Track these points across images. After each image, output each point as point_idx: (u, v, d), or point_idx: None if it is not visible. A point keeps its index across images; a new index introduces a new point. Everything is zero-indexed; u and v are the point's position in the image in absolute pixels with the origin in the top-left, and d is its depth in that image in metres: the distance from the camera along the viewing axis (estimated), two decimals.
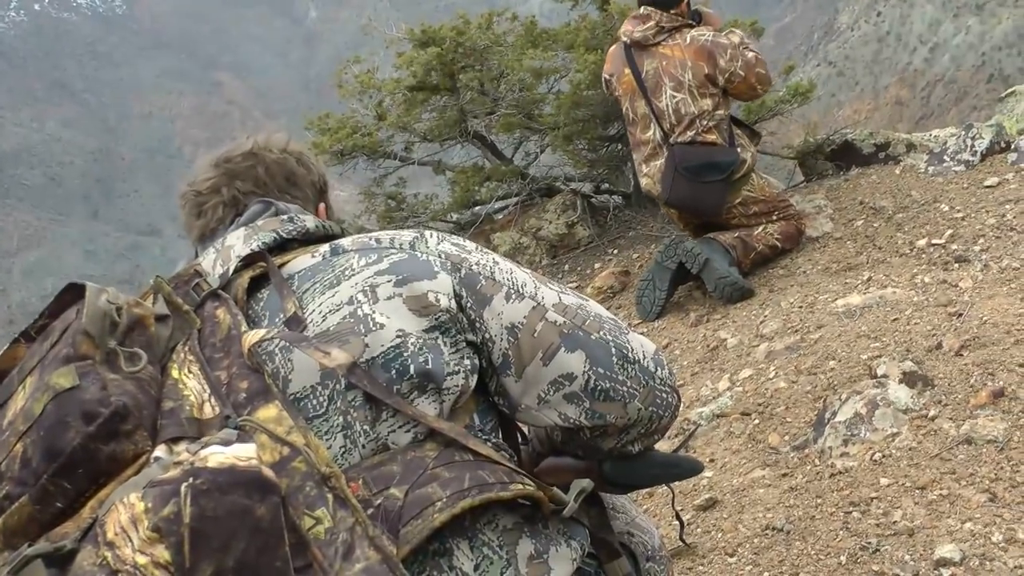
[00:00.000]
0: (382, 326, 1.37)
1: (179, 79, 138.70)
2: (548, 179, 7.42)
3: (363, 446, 1.34)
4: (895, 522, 2.86)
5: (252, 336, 1.32)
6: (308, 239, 1.57)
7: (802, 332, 4.41)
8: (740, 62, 5.08)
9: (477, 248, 1.56)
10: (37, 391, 1.22)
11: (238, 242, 1.52)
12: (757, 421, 3.82)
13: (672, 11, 5.18)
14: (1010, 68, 49.19)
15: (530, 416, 1.55)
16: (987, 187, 5.37)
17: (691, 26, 5.21)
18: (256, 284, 1.46)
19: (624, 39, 5.27)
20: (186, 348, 1.34)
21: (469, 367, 1.44)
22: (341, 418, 1.33)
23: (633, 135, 5.42)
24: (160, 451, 1.19)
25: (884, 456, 3.20)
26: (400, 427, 1.36)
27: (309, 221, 1.58)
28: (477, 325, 1.47)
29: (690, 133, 5.13)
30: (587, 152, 7.03)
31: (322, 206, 1.78)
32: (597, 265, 6.48)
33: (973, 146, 5.75)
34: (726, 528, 3.17)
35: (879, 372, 3.60)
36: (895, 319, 4.13)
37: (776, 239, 5.28)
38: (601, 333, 1.54)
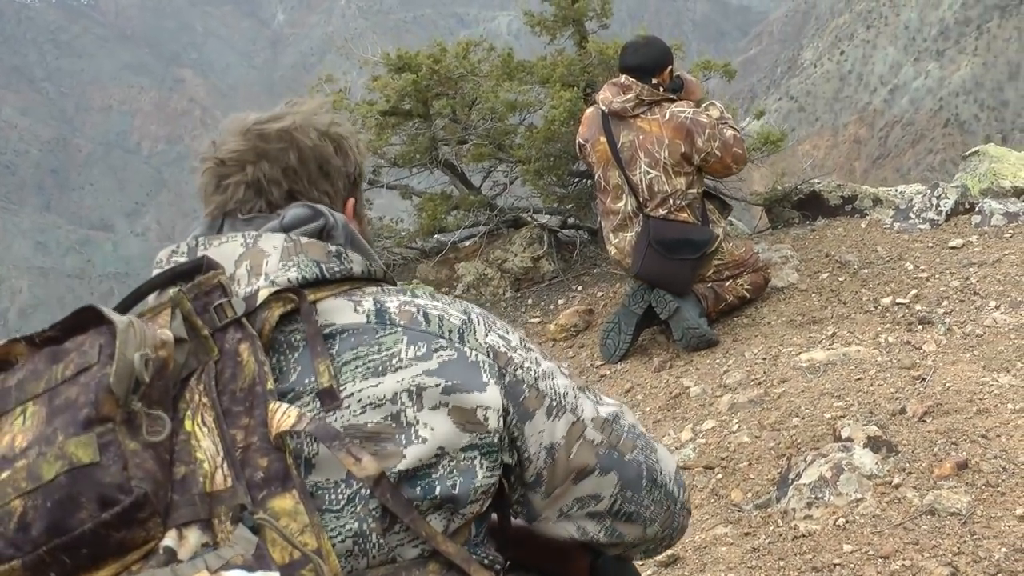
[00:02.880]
0: (424, 440, 1.32)
1: (141, 73, 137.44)
2: (515, 210, 7.42)
3: (372, 556, 1.30)
4: None
5: (281, 420, 1.24)
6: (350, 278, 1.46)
7: (766, 385, 4.44)
8: (718, 142, 5.00)
9: (521, 342, 1.50)
10: (47, 450, 1.13)
11: (274, 254, 1.39)
12: (720, 475, 3.83)
13: (653, 80, 5.09)
14: (966, 114, 50.13)
15: (546, 526, 1.53)
16: (951, 248, 5.45)
17: (671, 100, 5.09)
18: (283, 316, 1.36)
19: (602, 107, 5.14)
20: (200, 387, 1.25)
21: (492, 490, 1.41)
22: (356, 524, 1.28)
23: (603, 203, 5.32)
24: (170, 539, 1.14)
25: (848, 522, 3.22)
26: (409, 542, 1.32)
27: (356, 264, 1.44)
28: (518, 443, 1.42)
29: (662, 211, 5.07)
30: (557, 187, 7.03)
31: (351, 202, 1.63)
32: (561, 301, 6.48)
33: (938, 205, 5.84)
34: None
35: (843, 434, 3.63)
36: (859, 379, 4.17)
37: (746, 290, 5.33)
38: (634, 454, 1.53)
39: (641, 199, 5.09)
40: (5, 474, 1.14)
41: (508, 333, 1.50)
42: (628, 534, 1.56)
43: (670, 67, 5.21)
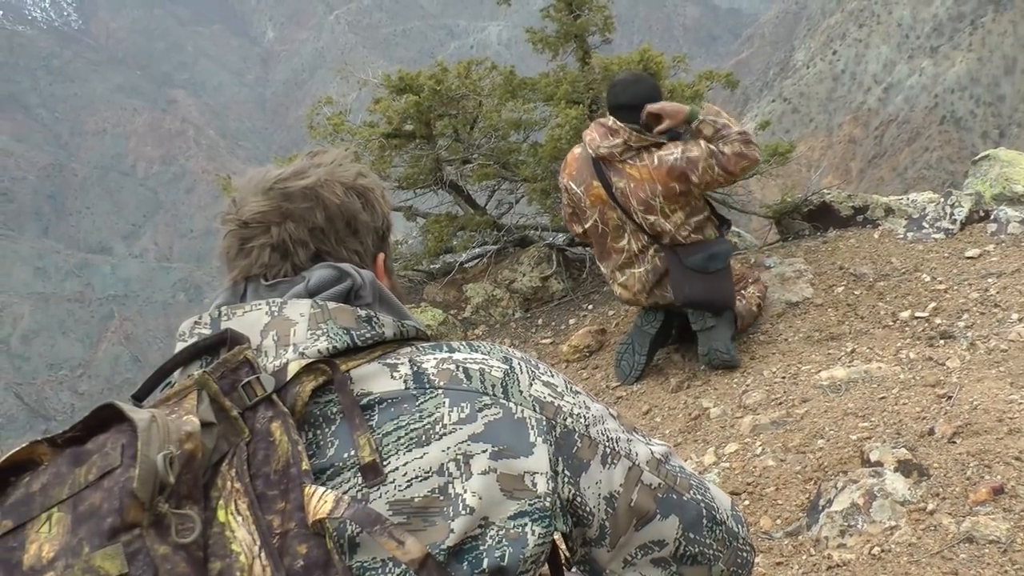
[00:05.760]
0: (471, 511, 1.25)
1: (133, 96, 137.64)
2: (522, 229, 7.37)
3: None
4: None
5: (318, 506, 1.17)
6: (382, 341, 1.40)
7: (787, 406, 4.37)
8: (717, 170, 4.80)
9: (567, 386, 1.44)
10: (74, 562, 1.08)
11: (301, 322, 1.33)
12: (747, 502, 3.76)
13: (639, 123, 4.92)
14: (962, 111, 50.16)
15: None
16: (968, 258, 5.39)
17: (659, 144, 4.89)
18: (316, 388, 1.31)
19: (590, 149, 4.98)
20: (232, 472, 1.20)
21: (543, 560, 1.35)
22: None
23: (602, 244, 5.16)
24: None
25: (883, 551, 3.14)
26: None
27: (388, 328, 1.39)
28: (576, 500, 1.37)
29: (677, 240, 4.95)
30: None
31: (381, 257, 1.58)
32: (572, 320, 6.42)
33: (952, 214, 5.78)
34: None
35: (872, 457, 3.56)
36: (882, 397, 4.10)
37: (757, 299, 5.26)
38: (692, 493, 1.48)
39: (651, 235, 4.98)
40: None
41: (553, 377, 1.44)
42: None
43: (660, 99, 5.03)
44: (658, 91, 5.05)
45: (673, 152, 4.83)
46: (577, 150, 5.15)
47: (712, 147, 4.82)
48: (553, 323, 6.51)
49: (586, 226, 5.14)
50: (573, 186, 5.09)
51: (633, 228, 4.98)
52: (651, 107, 4.90)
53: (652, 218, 4.89)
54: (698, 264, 4.95)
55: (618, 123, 4.89)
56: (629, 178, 4.88)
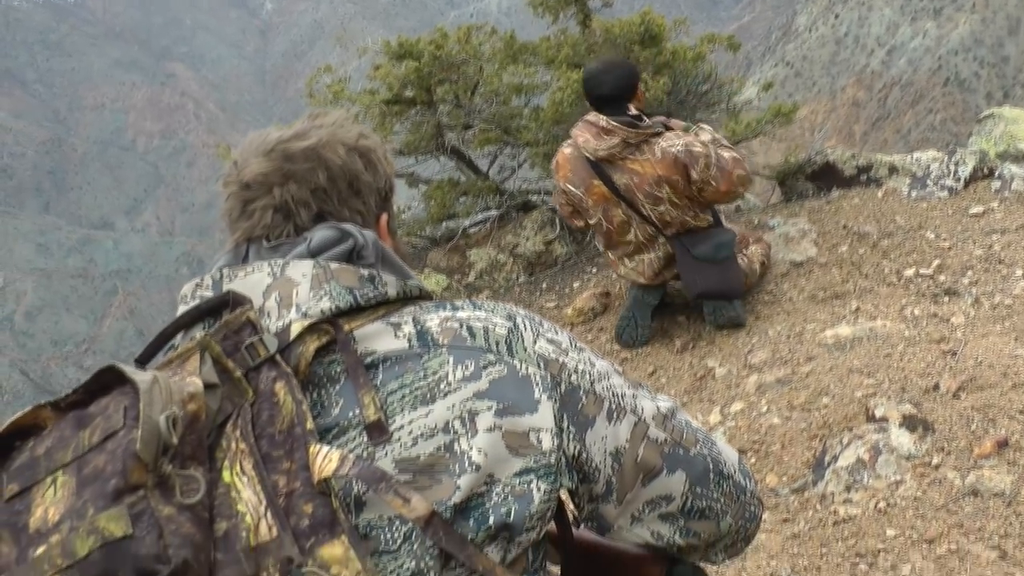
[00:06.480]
0: (477, 468, 1.25)
1: (132, 70, 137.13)
2: (524, 193, 7.36)
3: None
4: None
5: (323, 464, 1.18)
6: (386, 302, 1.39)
7: (792, 364, 4.38)
8: (714, 170, 4.71)
9: (571, 342, 1.44)
10: (79, 524, 1.08)
11: (303, 283, 1.32)
12: (753, 460, 3.77)
13: (630, 107, 4.82)
14: (966, 72, 49.92)
15: (621, 535, 1.48)
16: (972, 215, 5.38)
17: (657, 134, 4.78)
18: (320, 348, 1.30)
19: (587, 154, 4.84)
20: (237, 433, 1.20)
21: (549, 516, 1.35)
22: (413, 563, 1.22)
23: (608, 238, 5.07)
24: None
25: (889, 505, 3.16)
26: None
27: (391, 287, 1.37)
28: (581, 457, 1.36)
29: (685, 228, 4.91)
30: None
31: (384, 218, 1.57)
32: (576, 283, 6.42)
33: (956, 172, 5.76)
34: None
35: (877, 413, 3.57)
36: (887, 354, 4.10)
37: (760, 259, 5.23)
38: (698, 448, 1.48)
39: (655, 227, 4.92)
40: (41, 550, 1.09)
41: (557, 334, 1.43)
42: (703, 531, 1.50)
43: (638, 84, 4.94)
44: (634, 72, 4.95)
45: (675, 144, 4.73)
46: (567, 151, 5.01)
47: (713, 148, 4.76)
48: (557, 287, 6.51)
49: (591, 222, 5.07)
50: (572, 188, 4.98)
51: (639, 221, 4.92)
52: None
53: (661, 208, 4.83)
54: (707, 254, 4.89)
55: (611, 122, 4.74)
56: (632, 173, 4.78)
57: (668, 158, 4.71)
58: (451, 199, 7.20)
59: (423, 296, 1.43)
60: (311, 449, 1.19)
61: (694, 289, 4.98)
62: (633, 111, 4.83)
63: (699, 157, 4.69)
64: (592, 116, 4.86)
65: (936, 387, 3.68)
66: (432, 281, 6.49)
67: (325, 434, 1.24)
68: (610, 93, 4.81)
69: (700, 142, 4.75)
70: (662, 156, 4.72)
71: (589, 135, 4.81)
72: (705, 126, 5.03)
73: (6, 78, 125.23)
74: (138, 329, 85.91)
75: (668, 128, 4.88)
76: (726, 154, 4.76)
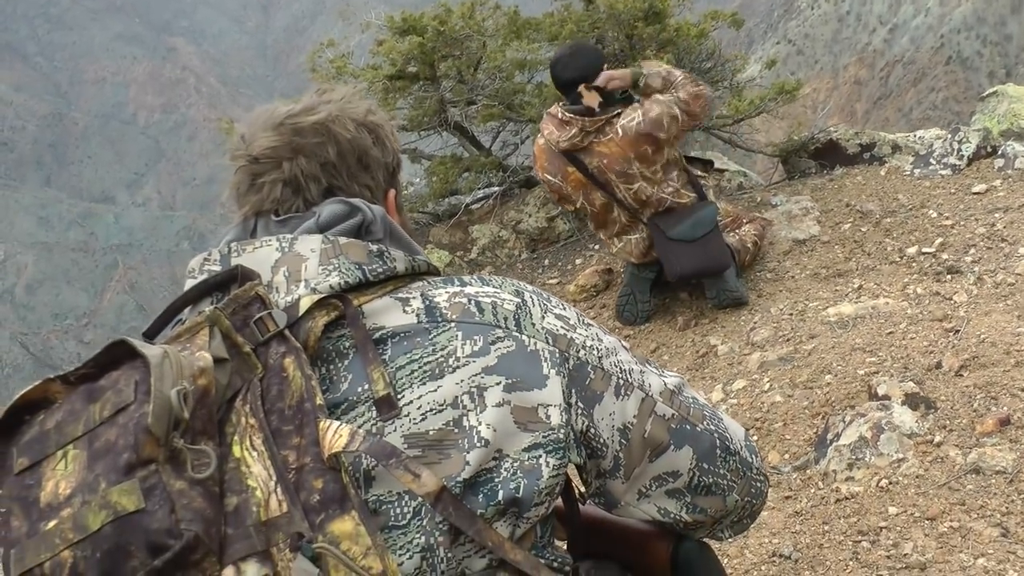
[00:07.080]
0: (486, 443, 1.25)
1: (133, 44, 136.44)
2: (527, 170, 7.35)
3: (441, 572, 1.24)
4: (906, 555, 2.83)
5: (333, 440, 1.17)
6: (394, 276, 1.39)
7: (794, 342, 4.38)
8: (680, 117, 4.76)
9: (579, 318, 1.44)
10: (90, 498, 1.08)
11: (312, 258, 1.32)
12: (756, 437, 3.78)
13: (586, 101, 4.83)
14: (968, 51, 49.66)
15: (627, 511, 1.48)
16: (975, 193, 5.37)
17: (616, 115, 4.82)
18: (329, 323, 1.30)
19: (552, 147, 4.92)
20: (247, 408, 1.20)
21: (557, 491, 1.35)
22: (423, 538, 1.23)
23: (596, 219, 5.14)
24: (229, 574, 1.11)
25: (891, 483, 3.17)
26: (476, 552, 1.27)
27: (400, 262, 1.37)
28: (589, 432, 1.36)
29: (662, 206, 4.94)
30: None
31: (391, 193, 1.57)
32: (578, 260, 6.42)
33: (959, 150, 5.75)
34: (732, 554, 3.13)
35: (879, 392, 3.57)
36: (890, 332, 4.11)
37: (753, 238, 5.22)
38: (705, 424, 1.48)
39: (632, 210, 4.97)
40: (52, 524, 1.09)
41: (565, 310, 1.44)
42: (709, 507, 1.51)
43: (605, 65, 4.93)
44: (600, 57, 4.96)
45: (634, 117, 4.79)
46: (540, 141, 5.06)
47: (668, 97, 4.79)
48: (560, 263, 6.51)
49: (577, 206, 5.12)
50: (550, 177, 5.04)
51: (616, 204, 4.97)
52: (598, 82, 4.82)
53: (635, 186, 4.88)
54: (684, 234, 4.92)
55: (567, 113, 4.83)
56: (600, 155, 4.84)
57: (629, 134, 4.78)
58: (454, 175, 7.18)
59: (431, 271, 1.44)
60: (321, 424, 1.19)
61: (673, 271, 5.00)
62: (586, 99, 4.84)
63: (660, 119, 4.75)
64: (553, 108, 4.98)
65: (938, 365, 3.69)
66: (435, 257, 6.48)
67: (334, 409, 1.25)
68: (572, 77, 4.85)
69: (656, 101, 4.79)
70: (623, 134, 4.79)
71: (552, 127, 4.91)
72: (651, 62, 5.05)
73: (7, 51, 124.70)
74: (138, 303, 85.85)
75: (629, 98, 4.92)
76: (682, 94, 4.79)
